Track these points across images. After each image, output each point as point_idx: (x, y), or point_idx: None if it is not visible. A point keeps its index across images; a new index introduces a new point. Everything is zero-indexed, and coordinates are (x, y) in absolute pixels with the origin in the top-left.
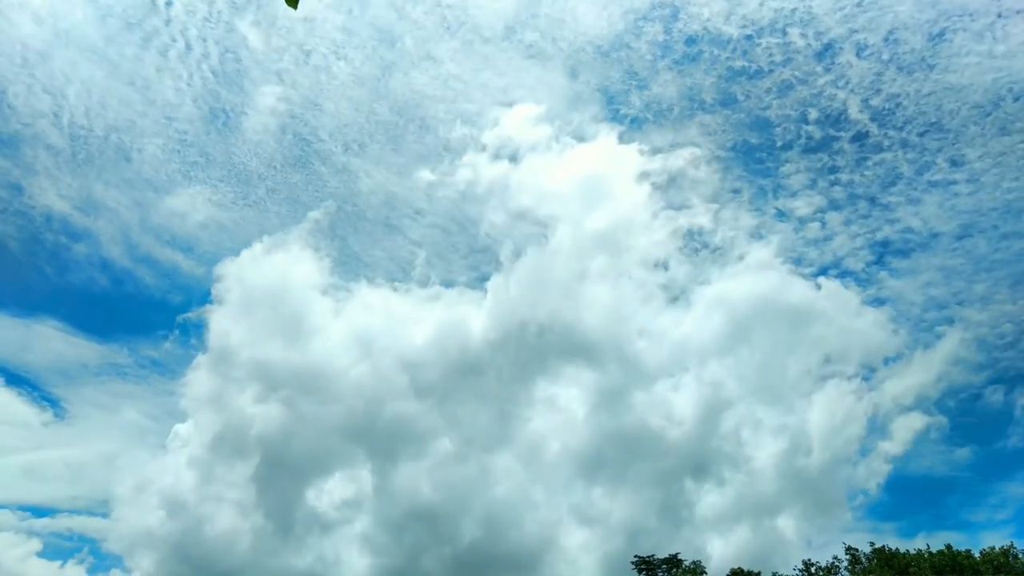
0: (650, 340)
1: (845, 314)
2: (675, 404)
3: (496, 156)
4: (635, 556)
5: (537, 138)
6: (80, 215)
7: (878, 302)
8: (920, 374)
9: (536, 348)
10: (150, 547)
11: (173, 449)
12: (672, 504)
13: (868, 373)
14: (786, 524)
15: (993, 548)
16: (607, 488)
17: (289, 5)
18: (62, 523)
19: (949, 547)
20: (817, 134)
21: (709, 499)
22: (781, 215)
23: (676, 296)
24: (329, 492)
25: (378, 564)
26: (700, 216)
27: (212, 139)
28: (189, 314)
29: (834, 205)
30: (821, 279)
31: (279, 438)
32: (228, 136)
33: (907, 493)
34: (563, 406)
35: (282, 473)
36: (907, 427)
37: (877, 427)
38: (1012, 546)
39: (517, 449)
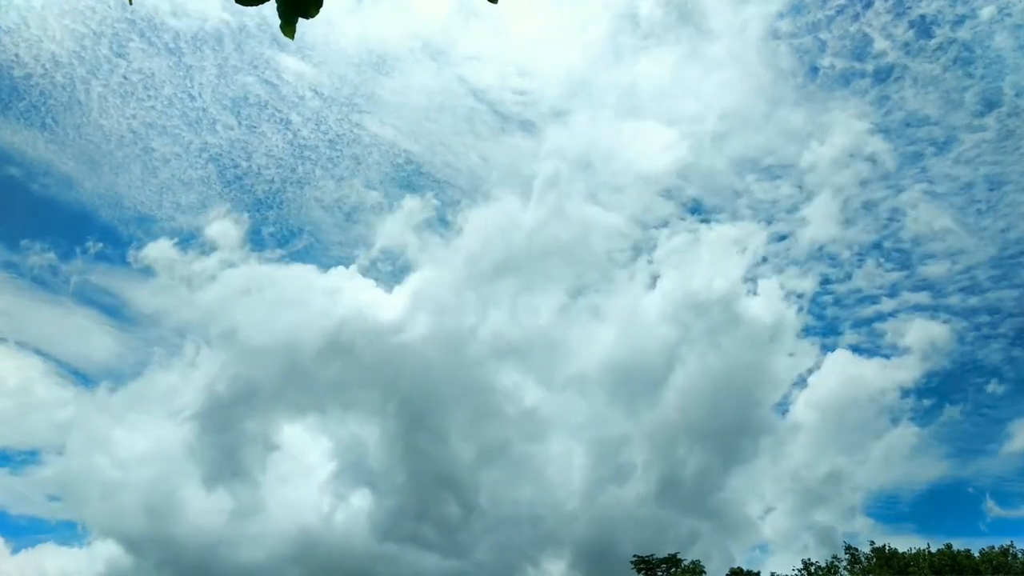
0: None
1: None
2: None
3: None
4: (634, 556)
5: None
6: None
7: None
8: None
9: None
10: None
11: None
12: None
13: None
14: None
15: (992, 548)
16: None
17: (286, 35)
18: None
19: (949, 546)
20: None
21: None
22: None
23: None
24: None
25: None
26: None
27: (168, 77)
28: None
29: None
30: None
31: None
32: (185, 75)
33: None
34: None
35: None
36: None
37: None
38: (1012, 545)
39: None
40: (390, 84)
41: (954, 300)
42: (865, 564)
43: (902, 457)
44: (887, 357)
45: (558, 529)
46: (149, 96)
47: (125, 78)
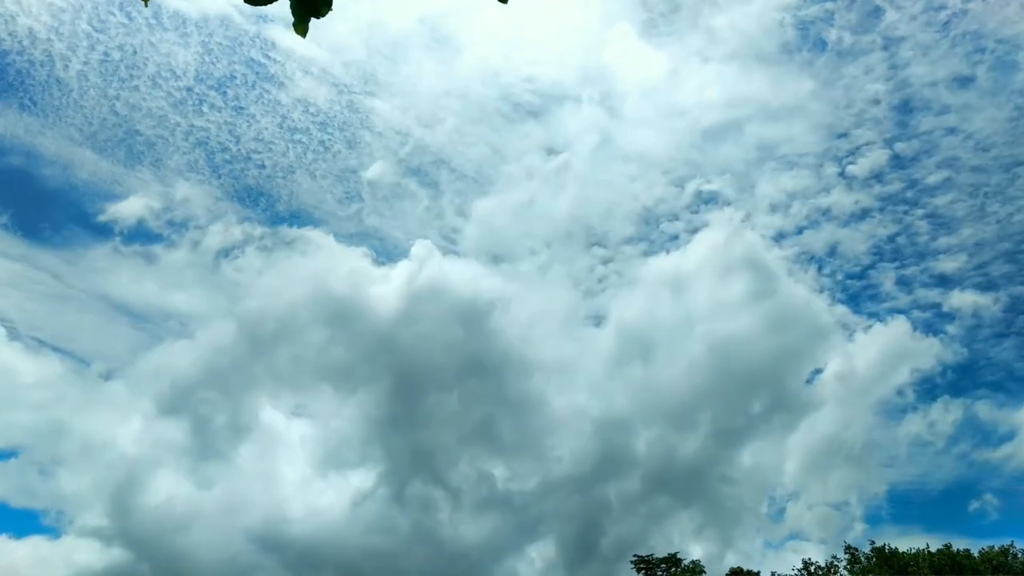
0: None
1: None
2: None
3: None
4: (634, 555)
5: None
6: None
7: None
8: None
9: None
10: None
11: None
12: None
13: None
14: None
15: (992, 547)
16: None
17: (299, 33)
18: None
19: (948, 546)
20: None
21: None
22: None
23: None
24: None
25: None
26: None
27: (150, 55)
28: None
29: None
30: None
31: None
32: (168, 52)
33: None
34: None
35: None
36: None
37: None
38: (1012, 545)
39: None
40: (395, 68)
41: (967, 293)
42: (865, 564)
43: (908, 453)
44: (898, 351)
45: (548, 514)
46: (132, 76)
47: (106, 55)
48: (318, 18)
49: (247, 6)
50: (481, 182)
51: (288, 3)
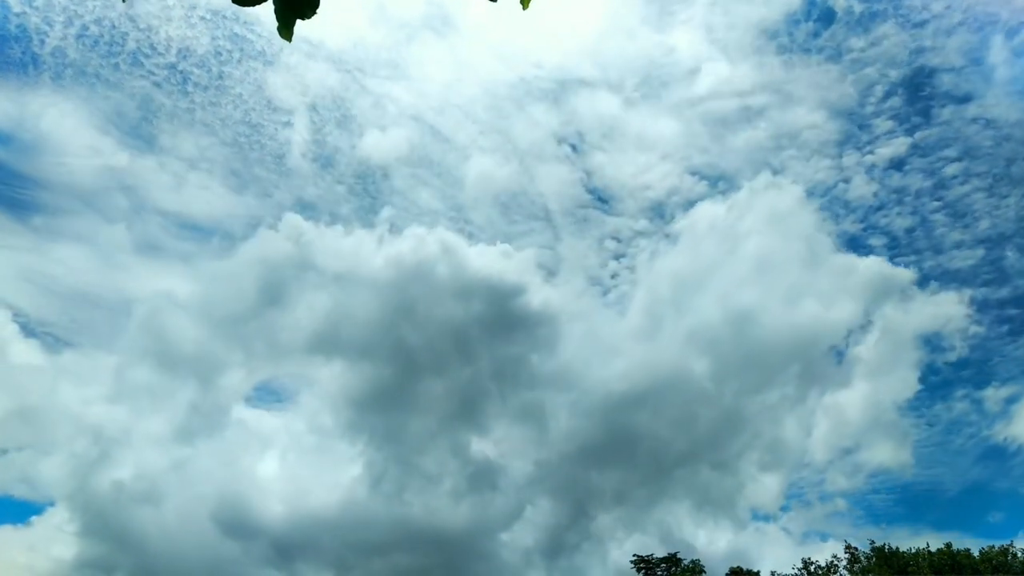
0: None
1: None
2: None
3: None
4: (634, 555)
5: None
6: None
7: None
8: None
9: None
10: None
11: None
12: None
13: None
14: None
15: (992, 547)
16: None
17: (283, 37)
18: None
19: (948, 546)
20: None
21: None
22: None
23: None
24: None
25: None
26: None
27: (129, 29)
28: None
29: None
30: None
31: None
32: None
33: None
34: None
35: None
36: None
37: None
38: (1012, 545)
39: None
40: (401, 52)
41: (981, 291)
42: (865, 563)
43: (918, 452)
44: (915, 341)
45: (535, 498)
46: (112, 52)
47: (84, 29)
48: (304, 19)
49: None
50: (490, 167)
51: (274, 8)
